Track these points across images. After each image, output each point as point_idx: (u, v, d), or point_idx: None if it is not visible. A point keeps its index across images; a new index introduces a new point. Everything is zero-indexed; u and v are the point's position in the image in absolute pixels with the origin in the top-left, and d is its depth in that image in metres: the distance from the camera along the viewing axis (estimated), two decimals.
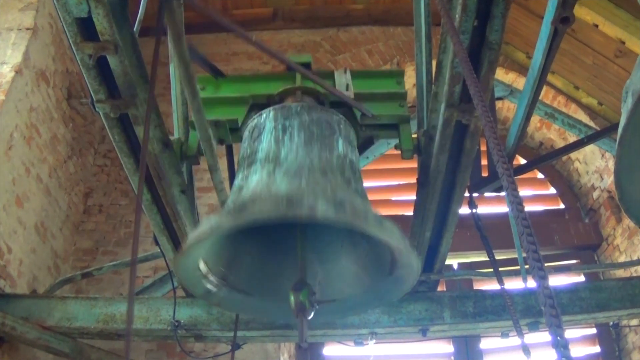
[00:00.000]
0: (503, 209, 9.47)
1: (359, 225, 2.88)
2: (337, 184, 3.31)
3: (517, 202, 1.69)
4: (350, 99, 4.31)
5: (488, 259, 5.20)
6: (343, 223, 2.93)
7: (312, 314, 3.29)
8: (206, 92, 4.63)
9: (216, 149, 4.28)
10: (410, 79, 4.84)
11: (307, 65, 4.63)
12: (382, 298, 3.70)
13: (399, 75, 4.76)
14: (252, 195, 3.18)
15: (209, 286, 3.46)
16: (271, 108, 3.88)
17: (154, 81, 3.30)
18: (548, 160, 8.08)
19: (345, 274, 3.71)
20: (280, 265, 3.67)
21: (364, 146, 4.67)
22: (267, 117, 3.83)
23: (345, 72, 4.62)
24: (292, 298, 3.27)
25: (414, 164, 4.74)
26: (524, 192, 10.62)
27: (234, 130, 4.45)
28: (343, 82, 4.48)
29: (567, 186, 10.74)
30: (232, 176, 5.01)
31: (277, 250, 3.74)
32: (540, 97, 4.68)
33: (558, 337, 1.42)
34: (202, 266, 3.36)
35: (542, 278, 1.54)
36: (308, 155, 3.45)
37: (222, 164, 4.75)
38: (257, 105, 4.44)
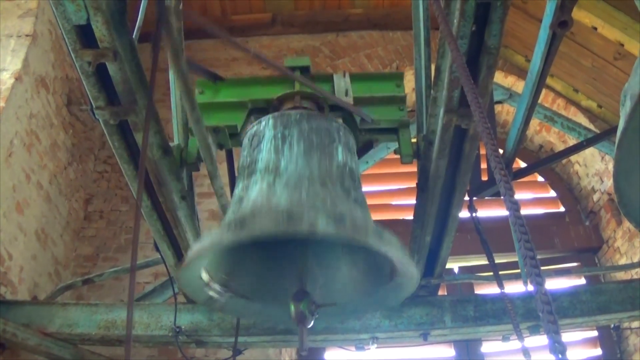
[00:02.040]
0: (503, 212, 9.43)
1: (359, 240, 2.92)
2: (337, 195, 3.34)
3: (514, 209, 1.69)
4: (349, 105, 4.31)
5: (488, 262, 5.20)
6: (343, 238, 2.99)
7: (312, 322, 3.32)
8: (205, 96, 4.63)
9: (216, 155, 4.29)
10: (409, 84, 4.84)
11: (305, 69, 4.63)
12: (382, 303, 3.72)
13: (398, 77, 4.74)
14: (253, 208, 3.21)
15: (211, 293, 3.48)
16: (270, 116, 3.88)
17: (152, 90, 3.31)
18: (548, 164, 8.10)
19: (346, 279, 3.72)
20: (281, 270, 3.67)
21: (363, 150, 4.69)
22: (266, 125, 3.82)
23: (344, 75, 4.62)
24: (292, 308, 3.28)
25: (413, 169, 4.74)
26: (524, 195, 10.64)
27: (234, 135, 4.46)
28: (342, 87, 4.48)
29: (567, 189, 10.74)
30: (232, 181, 5.03)
31: (278, 254, 3.74)
32: (539, 100, 4.68)
33: (556, 344, 1.42)
34: (204, 275, 3.37)
35: (539, 285, 1.54)
36: (308, 165, 3.48)
37: (222, 169, 4.75)
38: (256, 109, 4.46)
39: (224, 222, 3.21)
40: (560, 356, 1.41)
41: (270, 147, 3.64)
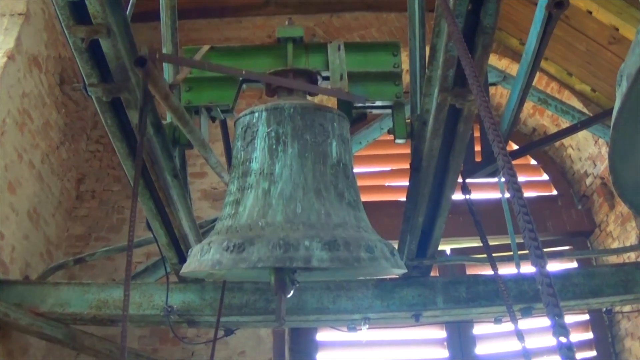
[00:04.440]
0: (496, 195, 9.46)
1: (351, 266, 3.12)
2: (331, 203, 3.46)
3: (513, 181, 1.68)
4: (343, 93, 4.30)
5: (481, 244, 5.19)
6: (336, 266, 3.11)
7: (292, 292, 3.36)
8: (195, 70, 4.62)
9: (208, 138, 4.30)
10: (403, 65, 4.84)
11: (298, 39, 4.63)
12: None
13: (394, 47, 4.75)
14: (250, 225, 3.33)
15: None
16: (263, 108, 3.86)
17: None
18: (541, 146, 8.11)
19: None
20: None
21: (357, 120, 4.69)
22: (259, 119, 3.81)
23: (339, 49, 4.60)
24: (272, 276, 3.34)
25: (407, 150, 4.74)
26: None
27: (226, 111, 4.49)
28: (337, 64, 4.46)
29: (560, 173, 10.75)
30: (227, 152, 5.05)
31: None
32: (533, 83, 4.68)
33: (555, 317, 1.42)
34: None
35: (539, 257, 1.53)
36: (302, 170, 3.56)
37: (216, 148, 4.75)
38: (248, 81, 4.48)
39: (221, 234, 3.38)
40: (560, 329, 1.40)
41: (264, 147, 3.68)
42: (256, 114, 3.84)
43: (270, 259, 2.97)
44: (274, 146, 3.65)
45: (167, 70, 4.86)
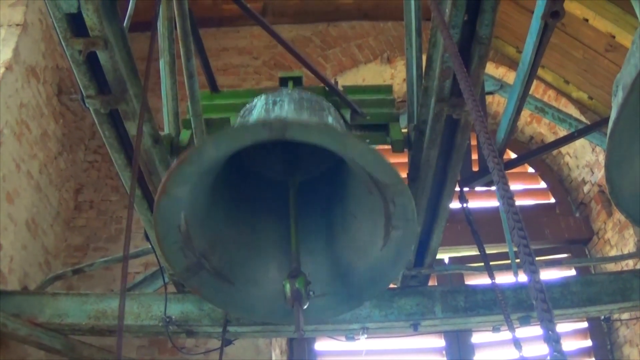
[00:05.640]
0: (494, 203, 9.46)
1: (333, 129, 3.07)
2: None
3: (507, 197, 1.69)
4: (341, 93, 4.36)
5: (479, 253, 5.20)
6: (318, 126, 3.03)
7: (307, 304, 3.29)
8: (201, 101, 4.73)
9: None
10: (400, 74, 4.87)
11: (298, 80, 4.70)
12: (379, 279, 3.65)
13: (387, 89, 4.87)
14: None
15: (188, 258, 3.40)
16: (263, 94, 3.95)
17: (147, 75, 3.31)
18: (538, 154, 8.10)
19: (337, 263, 3.72)
20: (266, 254, 3.67)
21: None
22: (258, 99, 3.96)
23: (336, 82, 4.74)
24: (287, 287, 3.26)
25: (404, 159, 4.75)
26: (514, 186, 10.61)
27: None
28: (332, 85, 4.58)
29: (558, 180, 10.75)
30: None
31: (263, 237, 3.74)
32: (530, 92, 4.69)
33: (549, 332, 1.42)
34: (182, 224, 3.30)
35: (533, 272, 1.54)
36: (297, 115, 3.57)
37: None
38: None
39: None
40: (554, 345, 1.40)
41: (262, 110, 3.70)
42: (255, 99, 3.94)
43: (255, 127, 2.91)
44: (271, 107, 3.72)
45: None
